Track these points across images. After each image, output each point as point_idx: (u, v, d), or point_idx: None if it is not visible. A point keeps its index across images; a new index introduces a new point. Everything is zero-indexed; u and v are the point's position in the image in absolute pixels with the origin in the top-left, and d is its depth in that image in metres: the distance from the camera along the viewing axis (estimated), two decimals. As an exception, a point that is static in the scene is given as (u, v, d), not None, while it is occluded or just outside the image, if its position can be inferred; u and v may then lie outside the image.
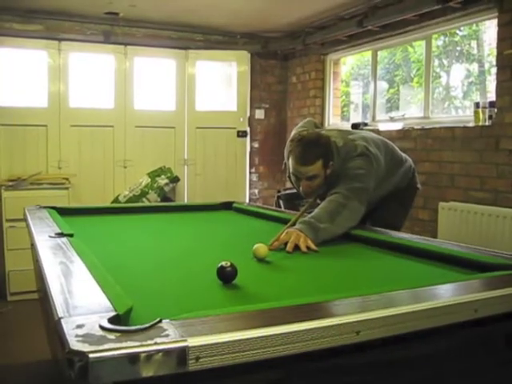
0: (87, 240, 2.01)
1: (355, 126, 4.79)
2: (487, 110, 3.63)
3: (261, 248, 1.83)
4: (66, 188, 4.73)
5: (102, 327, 0.94)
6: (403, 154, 2.93)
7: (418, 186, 3.01)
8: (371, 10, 4.48)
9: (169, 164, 5.39)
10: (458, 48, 4.69)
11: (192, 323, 1.00)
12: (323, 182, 2.45)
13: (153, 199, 4.95)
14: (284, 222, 2.63)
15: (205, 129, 5.62)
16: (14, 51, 4.97)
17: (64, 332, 0.92)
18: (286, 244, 2.02)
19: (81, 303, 1.13)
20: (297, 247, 2.01)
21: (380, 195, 2.70)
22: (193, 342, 0.90)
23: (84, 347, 0.85)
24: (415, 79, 5.08)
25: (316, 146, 2.41)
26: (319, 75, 5.56)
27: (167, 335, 0.92)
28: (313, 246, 2.02)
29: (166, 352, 0.87)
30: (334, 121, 5.56)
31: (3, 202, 4.46)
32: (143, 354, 0.86)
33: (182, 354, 0.88)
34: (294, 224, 2.23)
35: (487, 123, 3.63)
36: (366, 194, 2.38)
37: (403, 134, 4.29)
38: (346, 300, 1.20)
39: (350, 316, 1.07)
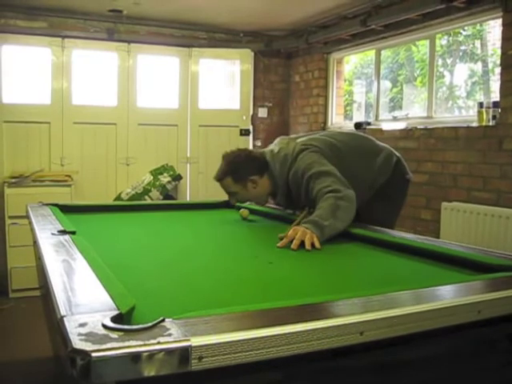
0: (90, 238, 2.00)
1: (358, 125, 4.79)
2: (491, 110, 3.62)
3: (243, 212, 2.77)
4: (69, 185, 4.73)
5: (104, 326, 0.93)
6: (381, 144, 2.78)
7: (408, 176, 2.77)
8: (375, 9, 4.47)
9: (171, 162, 5.39)
10: (462, 48, 4.68)
11: (195, 322, 0.99)
12: (257, 193, 2.62)
13: (155, 197, 4.96)
14: (285, 220, 2.65)
15: (208, 127, 5.61)
16: (18, 48, 4.97)
17: (66, 330, 0.92)
18: (291, 242, 2.02)
19: (83, 301, 1.13)
20: (301, 244, 2.00)
21: (361, 193, 2.51)
22: (196, 341, 0.89)
23: (87, 346, 0.84)
24: (419, 79, 5.07)
25: (225, 163, 2.61)
26: (322, 74, 5.55)
27: (170, 334, 0.91)
28: (317, 244, 2.02)
29: (169, 351, 0.87)
30: (336, 120, 5.55)
31: (6, 198, 4.47)
32: (146, 354, 0.85)
33: (184, 354, 0.87)
34: (298, 224, 2.23)
35: (491, 123, 3.62)
36: (340, 178, 2.37)
37: (406, 134, 4.28)
38: (350, 300, 1.19)
39: (354, 316, 1.06)
